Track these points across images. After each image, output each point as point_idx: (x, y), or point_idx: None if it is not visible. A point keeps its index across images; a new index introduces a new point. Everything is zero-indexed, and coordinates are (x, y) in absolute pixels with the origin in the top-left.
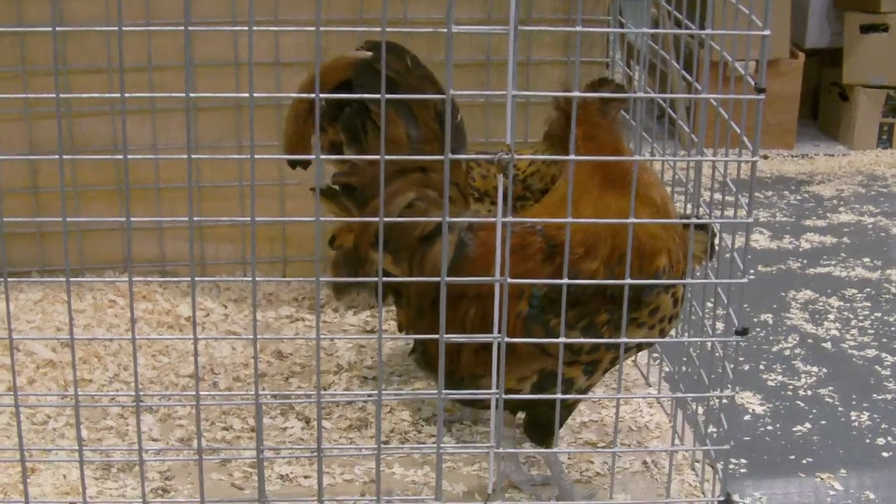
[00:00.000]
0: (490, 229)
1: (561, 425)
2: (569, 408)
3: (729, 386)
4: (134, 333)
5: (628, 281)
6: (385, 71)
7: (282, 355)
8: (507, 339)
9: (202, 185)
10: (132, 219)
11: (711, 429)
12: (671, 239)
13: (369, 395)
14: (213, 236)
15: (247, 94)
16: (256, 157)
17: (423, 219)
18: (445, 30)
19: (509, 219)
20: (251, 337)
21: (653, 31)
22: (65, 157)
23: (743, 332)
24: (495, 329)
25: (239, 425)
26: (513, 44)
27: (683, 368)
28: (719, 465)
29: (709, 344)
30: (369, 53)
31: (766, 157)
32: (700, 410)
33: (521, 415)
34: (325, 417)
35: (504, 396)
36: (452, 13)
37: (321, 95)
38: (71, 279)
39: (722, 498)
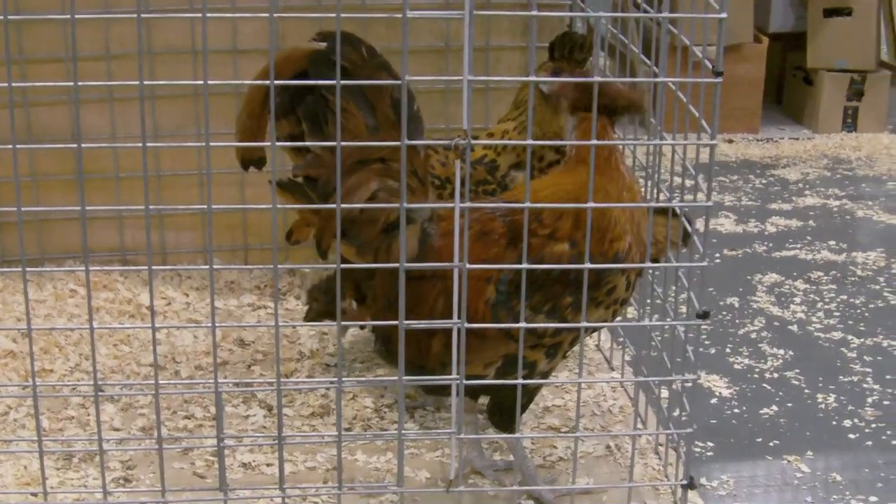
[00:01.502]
0: (451, 218)
1: (524, 410)
2: (531, 392)
3: (692, 370)
4: (92, 323)
5: (588, 266)
6: (340, 61)
7: (244, 343)
8: (466, 325)
9: (162, 174)
10: (88, 207)
11: (675, 413)
12: (634, 223)
13: (331, 383)
14: (173, 224)
15: (201, 82)
16: (212, 144)
17: (382, 205)
18: (401, 15)
19: (467, 204)
20: (210, 325)
21: (612, 14)
22: (19, 146)
23: (704, 315)
24: (455, 315)
25: (201, 414)
26: (468, 29)
27: (645, 353)
28: (682, 449)
29: (673, 328)
30: (324, 44)
31: (731, 142)
32: (664, 394)
33: (483, 400)
34: (287, 405)
35: (465, 382)
36: None
37: (276, 82)
38: (29, 269)
39: (685, 481)
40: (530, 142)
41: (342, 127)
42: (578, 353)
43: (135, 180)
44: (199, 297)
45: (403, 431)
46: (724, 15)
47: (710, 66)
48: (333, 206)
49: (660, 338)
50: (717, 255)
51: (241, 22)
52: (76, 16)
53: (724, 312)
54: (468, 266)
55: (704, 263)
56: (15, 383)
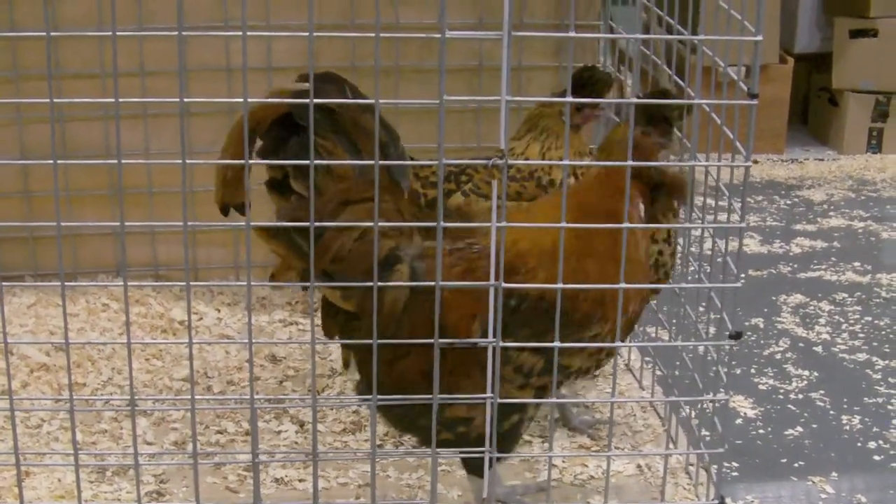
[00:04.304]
0: (433, 257)
1: (510, 449)
2: (518, 430)
3: (722, 390)
4: (129, 337)
5: (560, 286)
6: (325, 102)
7: (275, 359)
8: (502, 344)
9: (195, 190)
10: (126, 223)
11: (704, 432)
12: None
13: (364, 400)
14: (206, 241)
15: (240, 99)
16: (252, 162)
17: (357, 224)
18: (439, 35)
19: (504, 224)
20: (246, 341)
21: (646, 36)
22: (59, 161)
23: (736, 335)
24: (490, 334)
25: (233, 429)
26: (506, 50)
27: (676, 372)
28: (713, 469)
29: (701, 348)
30: (307, 85)
31: (756, 162)
32: (693, 414)
33: None
34: (320, 421)
35: (499, 401)
36: (445, 18)
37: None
38: (68, 284)
39: (716, 501)
40: (567, 162)
41: (328, 170)
42: (612, 372)
43: (167, 196)
44: (230, 312)
45: (437, 450)
46: (759, 38)
47: (745, 88)
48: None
49: (689, 357)
50: (742, 275)
51: (276, 40)
52: (117, 33)
53: (749, 333)
54: (502, 285)
55: (738, 285)
56: (48, 396)
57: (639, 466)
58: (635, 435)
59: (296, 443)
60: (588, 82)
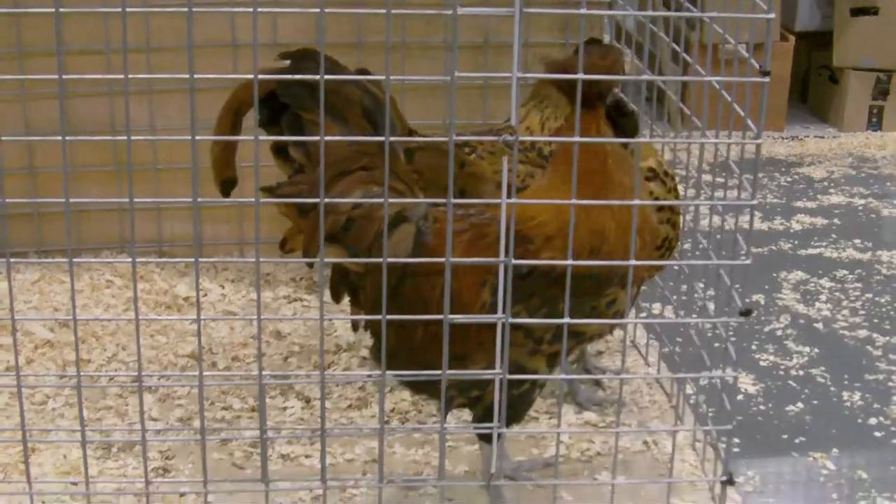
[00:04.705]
0: (443, 219)
1: (518, 419)
2: (527, 400)
3: (733, 367)
4: (137, 314)
5: (571, 262)
6: (305, 78)
7: (280, 335)
8: (511, 320)
9: (202, 166)
10: (135, 200)
11: (709, 409)
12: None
13: (371, 376)
14: (210, 217)
15: (249, 76)
16: (261, 138)
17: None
18: (450, 12)
19: (514, 200)
20: (253, 317)
21: (656, 14)
22: (67, 138)
23: (746, 312)
24: (499, 310)
25: (238, 405)
26: (517, 26)
27: (682, 349)
28: (721, 446)
29: (707, 325)
30: (287, 62)
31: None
32: (696, 392)
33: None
34: (326, 397)
35: (508, 377)
36: None
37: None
38: (76, 260)
39: (725, 478)
40: (577, 139)
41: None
42: (619, 349)
43: (171, 172)
44: (234, 288)
45: (445, 425)
46: (772, 15)
47: (757, 65)
48: (316, 201)
49: (696, 334)
50: (743, 252)
51: (280, 16)
52: (127, 9)
53: (728, 307)
54: (512, 261)
55: (748, 262)
56: (53, 373)
57: (645, 442)
58: (641, 411)
59: (302, 419)
60: None
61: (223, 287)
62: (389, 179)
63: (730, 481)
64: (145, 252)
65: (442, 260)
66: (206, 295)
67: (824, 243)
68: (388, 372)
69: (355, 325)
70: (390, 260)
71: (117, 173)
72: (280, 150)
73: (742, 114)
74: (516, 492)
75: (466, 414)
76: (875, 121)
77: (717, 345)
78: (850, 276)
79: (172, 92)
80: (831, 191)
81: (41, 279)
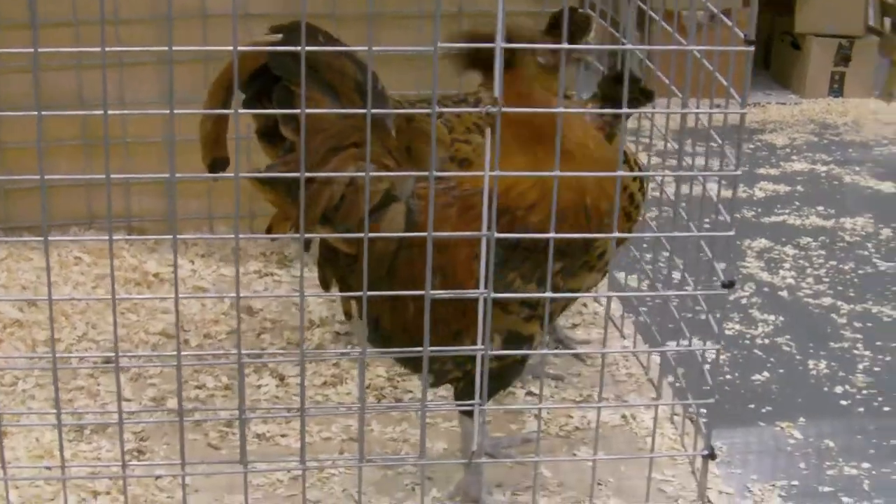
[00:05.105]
0: (427, 196)
1: (506, 387)
2: (521, 364)
3: (712, 340)
4: (114, 293)
5: (553, 235)
6: (315, 48)
7: (252, 311)
8: (493, 295)
9: (175, 140)
10: (111, 176)
11: (686, 382)
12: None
13: (351, 353)
14: (180, 192)
15: (229, 47)
16: (241, 111)
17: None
18: None
19: (497, 172)
20: (232, 295)
21: None
22: (44, 112)
23: (729, 284)
24: (481, 285)
25: (212, 383)
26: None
27: (656, 321)
28: (703, 420)
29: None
30: (279, 36)
31: (717, 106)
32: (678, 363)
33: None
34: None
35: (490, 353)
36: None
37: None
38: (54, 237)
39: (706, 452)
40: (561, 109)
41: (311, 118)
42: (604, 323)
43: (141, 146)
44: (204, 264)
45: (426, 402)
46: None
47: (741, 34)
48: (296, 175)
49: (675, 306)
50: (707, 220)
51: None
52: None
53: (714, 278)
54: (496, 235)
55: (731, 233)
56: (23, 354)
57: (623, 416)
58: (618, 385)
59: (277, 397)
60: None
61: (193, 262)
62: (381, 156)
63: (711, 455)
64: (115, 228)
65: (424, 235)
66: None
67: (787, 211)
68: (370, 350)
69: (348, 313)
70: (376, 235)
71: (85, 147)
72: (266, 134)
73: (725, 83)
74: (496, 469)
75: (444, 390)
76: (837, 87)
77: (687, 315)
78: (814, 243)
79: (142, 65)
80: (794, 158)
81: (8, 257)
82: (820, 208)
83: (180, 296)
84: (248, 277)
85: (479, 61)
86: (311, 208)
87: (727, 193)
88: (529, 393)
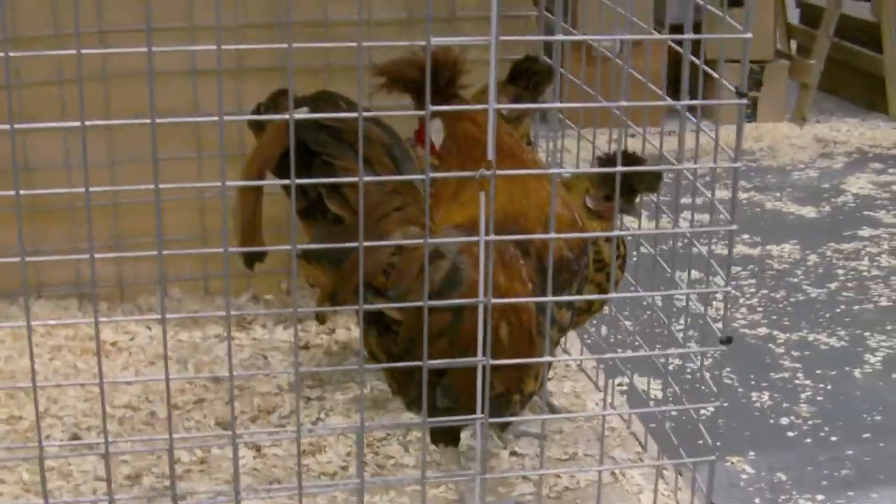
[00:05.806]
0: (470, 253)
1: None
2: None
3: (716, 398)
4: (102, 377)
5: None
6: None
7: (217, 379)
8: (491, 362)
9: (119, 204)
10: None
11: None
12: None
13: (348, 427)
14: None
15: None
16: (297, 181)
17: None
18: None
19: (492, 237)
20: (225, 375)
21: (628, 38)
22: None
23: (727, 340)
24: (479, 352)
25: (187, 458)
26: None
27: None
28: (702, 477)
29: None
30: (305, 108)
31: (633, 136)
32: (667, 424)
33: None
34: (276, 444)
35: (489, 420)
36: None
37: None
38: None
39: None
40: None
41: (351, 189)
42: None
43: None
44: (161, 329)
45: (426, 474)
46: (749, 35)
47: (732, 87)
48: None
49: (662, 364)
50: (634, 253)
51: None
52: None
53: (648, 312)
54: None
55: (728, 289)
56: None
57: (612, 474)
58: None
59: (255, 469)
60: (526, 73)
61: (150, 329)
62: (420, 217)
63: None
64: (64, 296)
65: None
66: (133, 338)
67: (714, 239)
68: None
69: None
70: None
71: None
72: (307, 212)
73: (713, 138)
74: None
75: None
76: (750, 112)
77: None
78: (744, 272)
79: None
80: (714, 185)
81: None
82: (745, 236)
83: (172, 377)
84: (208, 342)
85: (403, 85)
86: (348, 277)
87: (717, 249)
88: (514, 454)
